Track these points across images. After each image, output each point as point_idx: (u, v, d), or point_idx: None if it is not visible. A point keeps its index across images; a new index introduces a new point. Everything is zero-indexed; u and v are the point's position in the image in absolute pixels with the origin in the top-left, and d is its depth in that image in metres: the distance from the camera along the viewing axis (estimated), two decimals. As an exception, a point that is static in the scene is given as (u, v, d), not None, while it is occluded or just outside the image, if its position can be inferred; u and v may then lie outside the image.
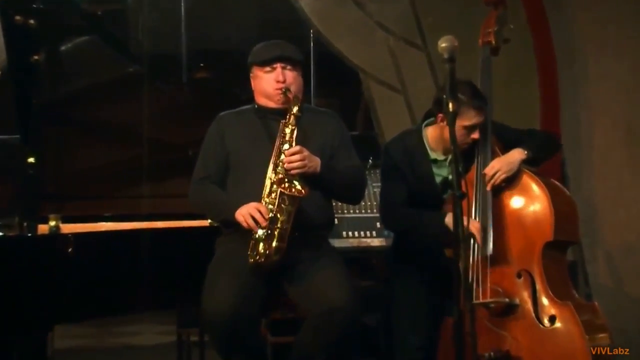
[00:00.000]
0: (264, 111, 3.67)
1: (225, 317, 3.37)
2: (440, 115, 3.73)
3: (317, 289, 3.48)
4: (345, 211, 4.48)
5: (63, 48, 4.49)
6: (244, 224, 3.44)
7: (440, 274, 3.58)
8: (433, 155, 3.84)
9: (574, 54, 5.28)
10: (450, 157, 3.72)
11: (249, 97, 3.78)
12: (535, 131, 4.00)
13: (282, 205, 3.43)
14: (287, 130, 3.52)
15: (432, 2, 5.51)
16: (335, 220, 3.90)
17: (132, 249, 3.98)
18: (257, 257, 3.44)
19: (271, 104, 3.63)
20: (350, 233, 4.44)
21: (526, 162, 3.71)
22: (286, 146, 3.51)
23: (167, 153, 4.73)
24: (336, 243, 4.25)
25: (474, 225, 3.60)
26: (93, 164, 4.58)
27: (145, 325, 6.73)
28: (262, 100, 3.66)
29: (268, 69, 3.60)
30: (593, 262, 5.05)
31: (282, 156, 3.50)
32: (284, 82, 3.58)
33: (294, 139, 3.52)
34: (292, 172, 3.48)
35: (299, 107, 3.53)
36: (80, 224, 4.23)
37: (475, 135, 3.69)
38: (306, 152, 3.51)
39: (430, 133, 3.86)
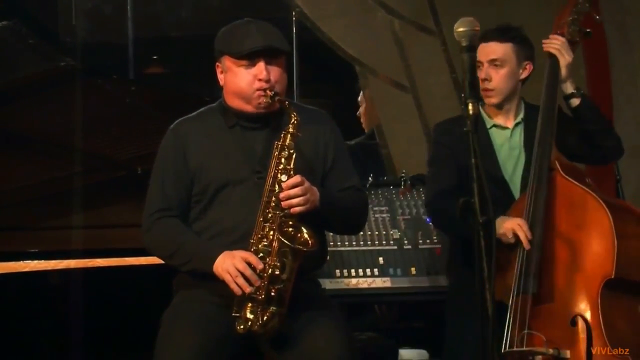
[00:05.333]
0: (237, 116, 3.61)
1: (184, 381, 3.35)
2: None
3: (303, 346, 3.44)
4: (339, 243, 4.47)
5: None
6: (232, 285, 3.39)
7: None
8: (491, 122, 4.09)
9: (632, 38, 5.31)
10: (516, 121, 4.08)
11: (216, 97, 3.73)
12: None
13: (284, 260, 3.39)
14: (284, 155, 3.46)
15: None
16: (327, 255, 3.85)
17: (63, 294, 3.95)
18: (251, 325, 3.40)
19: (248, 108, 3.56)
20: (345, 271, 4.42)
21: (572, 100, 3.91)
22: (284, 177, 3.44)
23: (108, 171, 4.73)
24: (327, 284, 4.24)
25: (514, 223, 3.69)
26: (12, 185, 4.57)
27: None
28: (235, 102, 3.59)
29: (246, 62, 3.53)
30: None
31: (275, 188, 3.44)
32: (268, 80, 3.52)
33: (292, 167, 3.46)
34: (292, 210, 3.43)
35: (296, 122, 3.47)
36: (-3, 263, 4.21)
37: (482, 73, 3.97)
38: (307, 184, 3.45)
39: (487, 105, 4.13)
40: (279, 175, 3.44)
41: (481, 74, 3.97)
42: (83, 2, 5.80)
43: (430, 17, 5.52)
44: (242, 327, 3.39)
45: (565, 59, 3.89)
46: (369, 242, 4.48)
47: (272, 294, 3.38)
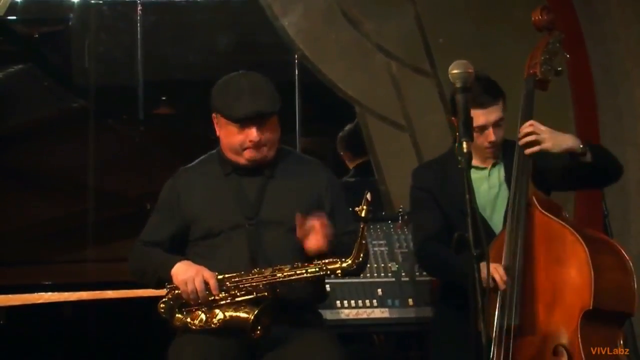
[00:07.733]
0: (231, 166, 3.73)
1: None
2: (454, 119, 3.92)
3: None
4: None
5: (-9, 79, 4.54)
6: (184, 294, 3.47)
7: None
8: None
9: (617, 81, 5.35)
10: (494, 162, 4.01)
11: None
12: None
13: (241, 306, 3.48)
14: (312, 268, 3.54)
15: (443, 19, 5.58)
16: (327, 287, 3.91)
17: (76, 324, 3.98)
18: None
19: (241, 160, 3.68)
20: (345, 302, 4.44)
21: (576, 158, 3.74)
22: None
23: (119, 207, 4.76)
24: (328, 315, 4.25)
25: (497, 270, 3.67)
26: (28, 221, 4.60)
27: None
28: (229, 154, 3.72)
29: (238, 125, 3.63)
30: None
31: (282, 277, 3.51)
32: (258, 143, 3.62)
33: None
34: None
35: (361, 260, 3.53)
36: (13, 295, 4.21)
37: (491, 137, 3.88)
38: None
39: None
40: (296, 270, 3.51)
41: (489, 137, 3.88)
42: (95, 47, 5.83)
43: (426, 59, 5.56)
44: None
45: (549, 144, 3.75)
46: (368, 275, 4.48)
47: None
